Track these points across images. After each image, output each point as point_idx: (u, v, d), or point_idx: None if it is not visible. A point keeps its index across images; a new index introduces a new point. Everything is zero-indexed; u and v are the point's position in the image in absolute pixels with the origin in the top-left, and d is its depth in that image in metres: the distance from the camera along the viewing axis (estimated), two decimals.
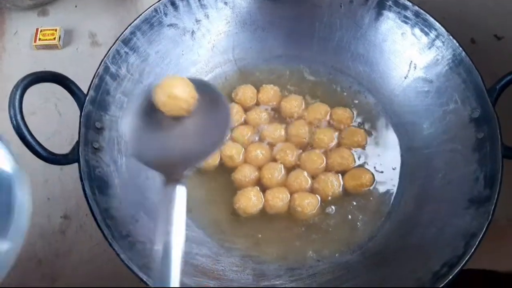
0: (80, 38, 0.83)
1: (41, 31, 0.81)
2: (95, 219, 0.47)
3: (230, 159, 0.60)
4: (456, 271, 0.46)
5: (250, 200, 0.56)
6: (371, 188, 0.59)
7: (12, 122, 0.47)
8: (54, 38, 0.80)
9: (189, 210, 0.56)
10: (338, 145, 0.61)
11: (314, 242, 0.56)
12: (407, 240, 0.53)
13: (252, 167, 0.59)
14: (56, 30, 0.80)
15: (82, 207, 0.63)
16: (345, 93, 0.65)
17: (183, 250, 0.50)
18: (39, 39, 0.81)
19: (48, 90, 0.77)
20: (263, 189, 0.58)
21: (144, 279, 0.45)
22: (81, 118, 0.52)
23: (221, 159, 0.60)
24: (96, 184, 0.50)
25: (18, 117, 0.46)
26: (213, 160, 0.59)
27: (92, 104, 0.53)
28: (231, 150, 0.60)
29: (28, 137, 0.46)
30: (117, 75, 0.57)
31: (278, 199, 0.57)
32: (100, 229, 0.46)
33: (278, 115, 0.64)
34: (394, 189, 0.59)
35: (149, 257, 0.48)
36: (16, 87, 0.47)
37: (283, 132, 0.62)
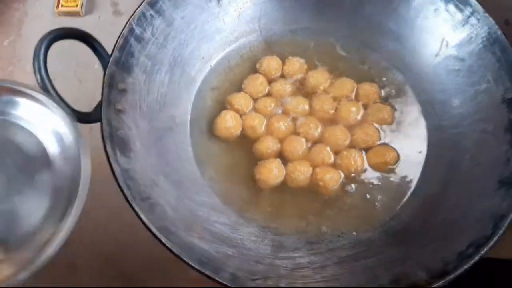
0: (102, 6, 0.82)
1: None
2: (116, 179, 0.46)
3: (252, 130, 0.58)
4: (483, 251, 0.44)
5: (271, 172, 0.55)
6: (395, 166, 0.57)
7: (36, 76, 0.46)
8: (77, 5, 0.80)
9: (209, 178, 0.56)
10: (363, 121, 0.60)
11: (332, 217, 0.55)
12: (432, 220, 0.52)
13: (274, 139, 0.58)
14: None
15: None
16: (372, 69, 0.63)
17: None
18: (61, 5, 0.80)
19: (68, 57, 0.77)
20: (284, 162, 0.57)
21: (163, 241, 0.44)
22: (104, 78, 0.51)
23: (243, 129, 0.59)
24: (117, 145, 0.49)
25: (43, 70, 0.45)
26: (235, 129, 0.58)
27: (116, 64, 0.53)
28: (254, 121, 0.58)
29: (52, 91, 0.45)
30: (142, 38, 0.56)
31: (300, 173, 0.55)
32: (121, 189, 0.46)
33: (303, 89, 0.62)
34: (420, 169, 0.57)
35: (168, 220, 0.47)
36: (41, 40, 0.46)
37: (307, 106, 0.60)
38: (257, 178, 0.56)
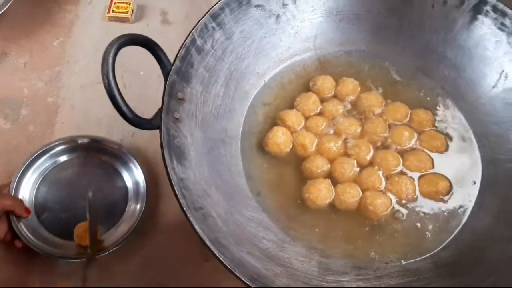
0: (152, 14, 0.84)
1: (115, 3, 0.82)
2: (172, 187, 0.46)
3: (302, 148, 0.58)
4: None
5: (320, 192, 0.55)
6: (448, 196, 0.56)
7: (104, 80, 0.46)
8: (127, 12, 0.81)
9: (257, 193, 0.56)
10: (415, 147, 0.59)
11: (380, 243, 0.54)
12: (486, 254, 0.50)
13: (324, 158, 0.57)
14: (129, 4, 0.81)
15: None
16: (427, 96, 0.63)
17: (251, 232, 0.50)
18: (113, 10, 0.82)
19: (116, 61, 0.78)
20: (333, 183, 0.56)
21: (216, 254, 0.43)
22: (165, 87, 0.52)
23: (293, 146, 0.59)
24: (174, 153, 0.49)
25: (110, 75, 0.46)
26: (285, 146, 0.58)
27: (177, 74, 0.53)
28: (305, 139, 0.58)
29: (117, 96, 0.46)
30: (202, 49, 0.56)
31: (350, 195, 0.55)
32: (177, 197, 0.46)
33: (355, 110, 0.62)
34: (472, 201, 0.56)
35: (219, 233, 0.47)
36: (111, 45, 0.47)
37: (359, 128, 0.60)
38: (305, 197, 0.55)
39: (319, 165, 0.57)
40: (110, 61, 0.46)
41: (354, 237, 0.54)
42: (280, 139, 0.57)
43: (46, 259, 0.63)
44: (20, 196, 0.65)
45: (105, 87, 0.46)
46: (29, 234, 0.62)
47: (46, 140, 0.74)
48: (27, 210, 0.63)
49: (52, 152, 0.68)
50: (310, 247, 0.53)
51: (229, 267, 0.43)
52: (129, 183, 0.67)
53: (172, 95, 0.52)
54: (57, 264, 0.64)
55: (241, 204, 0.54)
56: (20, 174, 0.66)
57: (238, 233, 0.50)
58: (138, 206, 0.64)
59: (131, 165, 0.68)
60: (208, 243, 0.44)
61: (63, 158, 0.69)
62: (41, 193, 0.67)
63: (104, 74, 0.46)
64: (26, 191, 0.66)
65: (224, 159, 0.56)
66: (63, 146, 0.69)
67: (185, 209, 0.45)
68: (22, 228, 0.62)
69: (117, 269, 0.65)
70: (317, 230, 0.54)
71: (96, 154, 0.69)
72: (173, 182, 0.46)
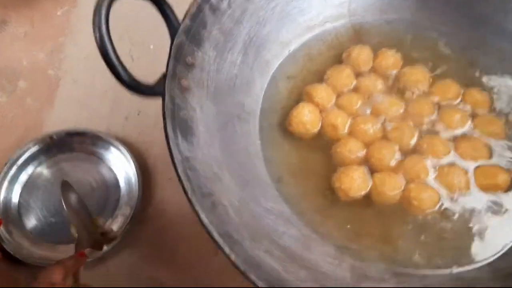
0: None
1: None
2: (175, 166, 0.38)
3: (333, 129, 0.49)
4: None
5: (354, 182, 0.45)
6: (508, 193, 0.46)
7: (95, 33, 0.38)
8: None
9: (277, 180, 0.47)
10: (469, 133, 0.49)
11: (425, 245, 0.44)
12: None
13: (359, 142, 0.48)
14: None
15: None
16: (481, 74, 0.53)
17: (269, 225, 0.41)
18: None
19: (122, 30, 0.71)
20: (370, 171, 0.47)
21: (226, 251, 0.35)
22: (171, 48, 0.43)
23: (322, 126, 0.49)
24: (179, 127, 0.41)
25: (103, 28, 0.38)
26: (312, 126, 0.49)
27: (186, 34, 0.44)
28: (336, 118, 0.49)
29: (111, 53, 0.38)
30: (217, 8, 0.47)
31: (390, 186, 0.45)
32: (180, 179, 0.37)
33: (396, 87, 0.52)
34: None
35: (231, 225, 0.38)
36: None
37: (401, 108, 0.50)
38: (335, 186, 0.46)
39: (353, 149, 0.47)
40: (104, 11, 0.38)
41: (394, 236, 0.44)
42: (306, 117, 0.48)
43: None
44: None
45: (97, 41, 0.38)
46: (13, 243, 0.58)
47: (44, 115, 0.68)
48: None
49: (28, 156, 0.63)
50: (340, 247, 0.43)
51: (241, 268, 0.34)
52: (120, 173, 0.63)
53: (179, 59, 0.43)
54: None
55: (258, 191, 0.45)
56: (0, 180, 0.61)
57: (254, 226, 0.41)
58: (133, 197, 0.60)
59: (120, 154, 0.63)
60: (216, 236, 0.35)
61: (42, 159, 0.64)
62: (25, 200, 0.62)
63: (96, 26, 0.38)
64: (7, 201, 0.61)
65: (240, 139, 0.47)
66: (38, 147, 0.64)
67: (189, 194, 0.36)
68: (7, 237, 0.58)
69: (111, 265, 0.59)
70: (348, 226, 0.45)
71: (78, 148, 0.65)
72: (176, 161, 0.38)
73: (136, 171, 0.62)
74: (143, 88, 0.39)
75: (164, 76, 0.42)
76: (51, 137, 0.64)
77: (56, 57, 0.74)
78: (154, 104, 0.70)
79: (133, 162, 0.62)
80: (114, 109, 0.70)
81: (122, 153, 0.63)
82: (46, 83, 0.71)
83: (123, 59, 0.66)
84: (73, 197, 0.58)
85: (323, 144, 0.49)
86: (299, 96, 0.52)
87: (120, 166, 0.64)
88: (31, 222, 0.60)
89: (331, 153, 0.48)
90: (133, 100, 0.70)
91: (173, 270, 0.62)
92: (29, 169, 0.63)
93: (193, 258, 0.63)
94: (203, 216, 0.35)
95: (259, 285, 0.34)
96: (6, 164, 0.62)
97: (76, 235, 0.55)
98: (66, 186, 0.59)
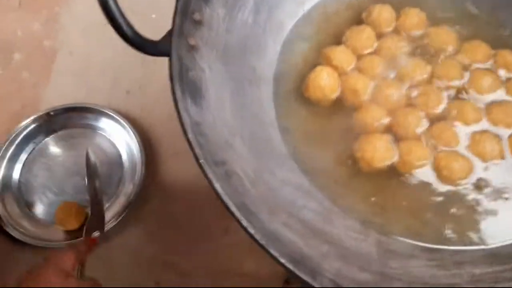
0: None
1: None
2: (185, 132, 0.34)
3: (353, 94, 0.45)
4: None
5: (377, 151, 0.41)
6: None
7: None
8: None
9: (294, 149, 0.43)
10: (501, 98, 0.45)
11: (456, 219, 0.41)
12: None
13: (382, 109, 0.44)
14: None
15: None
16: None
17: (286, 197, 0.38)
18: None
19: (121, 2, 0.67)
20: (395, 140, 0.43)
21: (244, 224, 0.31)
22: (177, 3, 0.39)
23: (341, 92, 0.45)
24: (188, 89, 0.36)
25: None
26: (331, 91, 0.45)
27: None
28: (357, 83, 0.45)
29: (112, 4, 0.33)
30: None
31: (417, 156, 0.42)
32: (190, 145, 0.33)
33: (421, 49, 0.48)
34: None
35: (247, 197, 0.34)
36: None
37: (427, 72, 0.46)
38: (357, 156, 0.42)
39: (376, 116, 0.43)
40: None
41: (422, 209, 0.41)
42: (324, 82, 0.44)
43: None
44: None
45: None
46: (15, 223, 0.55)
47: (41, 89, 0.65)
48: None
49: (27, 133, 0.60)
50: (364, 221, 0.40)
51: (261, 241, 0.30)
52: (123, 149, 0.60)
53: (186, 15, 0.39)
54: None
55: (274, 162, 0.41)
56: None
57: (271, 198, 0.37)
58: (137, 173, 0.58)
59: (123, 130, 0.60)
60: (232, 208, 0.31)
61: (41, 137, 0.61)
62: (26, 179, 0.59)
63: None
64: (7, 180, 0.58)
65: (252, 105, 0.43)
66: (37, 124, 0.61)
67: (201, 161, 0.33)
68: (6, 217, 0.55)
69: (115, 245, 0.56)
70: (373, 199, 0.41)
71: (78, 124, 0.62)
72: (185, 126, 0.34)
73: (140, 146, 0.59)
74: (148, 44, 0.35)
75: (170, 33, 0.37)
76: (48, 114, 0.61)
77: (51, 27, 0.70)
78: (156, 77, 0.68)
79: (136, 137, 0.59)
80: (115, 83, 0.67)
81: (124, 128, 0.60)
82: (42, 55, 0.68)
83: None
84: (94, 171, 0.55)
85: (343, 111, 0.45)
86: (316, 60, 0.47)
87: (123, 142, 0.61)
88: (31, 201, 0.57)
89: (351, 121, 0.44)
90: (134, 74, 0.68)
91: (179, 250, 0.59)
92: (29, 147, 0.60)
93: (201, 237, 0.60)
94: (217, 186, 0.32)
95: (281, 261, 0.30)
96: (5, 142, 0.58)
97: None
98: (88, 157, 0.56)
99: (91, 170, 0.54)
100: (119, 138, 0.61)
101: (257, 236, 0.30)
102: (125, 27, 0.33)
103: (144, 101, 0.67)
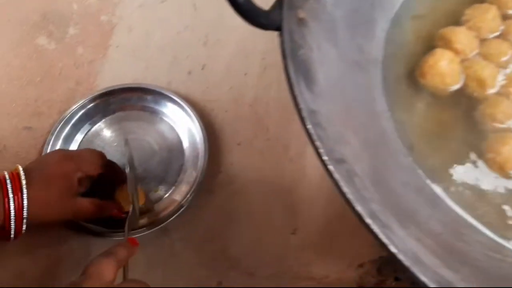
0: None
1: None
2: (303, 122, 0.28)
3: (478, 85, 0.38)
4: None
5: None
6: None
7: None
8: None
9: (410, 146, 0.36)
10: None
11: None
12: None
13: None
14: None
15: None
16: None
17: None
18: None
19: None
20: None
21: (383, 239, 0.25)
22: None
23: (464, 82, 0.38)
24: (300, 71, 0.30)
25: None
26: (452, 79, 0.38)
27: None
28: (483, 71, 0.38)
29: None
30: None
31: None
32: (312, 140, 0.27)
33: None
34: None
35: (372, 202, 0.28)
36: None
37: None
38: (487, 157, 0.35)
39: (508, 112, 0.36)
40: None
41: None
42: (445, 68, 0.37)
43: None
44: None
45: None
46: None
47: (97, 66, 0.61)
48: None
49: (83, 113, 0.56)
50: (501, 236, 0.33)
51: (406, 263, 0.24)
52: (183, 134, 0.55)
53: None
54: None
55: (390, 161, 0.35)
56: (54, 138, 0.54)
57: (395, 206, 0.31)
58: (199, 161, 0.53)
59: (184, 113, 0.55)
60: (367, 219, 0.25)
61: (97, 118, 0.56)
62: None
63: None
64: None
65: (361, 92, 0.37)
66: (93, 103, 0.56)
67: (325, 158, 0.27)
68: None
69: (176, 238, 0.52)
70: (504, 207, 0.34)
71: (136, 107, 0.57)
72: (303, 114, 0.28)
73: (202, 132, 0.54)
74: (261, 14, 0.29)
75: (279, 3, 0.31)
76: (106, 93, 0.56)
77: (109, 1, 0.65)
78: (219, 58, 0.62)
79: (199, 123, 0.54)
80: (175, 62, 0.61)
81: (186, 112, 0.55)
82: (98, 30, 0.63)
83: (184, 6, 0.58)
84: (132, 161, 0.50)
85: (465, 103, 0.38)
86: (429, 41, 0.40)
87: (185, 127, 0.55)
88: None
89: (477, 116, 0.37)
90: (196, 54, 0.62)
91: (243, 248, 0.54)
92: (85, 128, 0.56)
93: (266, 236, 0.55)
94: (347, 190, 0.26)
95: (430, 286, 0.24)
96: (59, 121, 0.54)
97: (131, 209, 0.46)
98: (127, 146, 0.51)
99: (128, 161, 0.49)
100: (180, 123, 0.56)
101: (401, 257, 0.24)
102: None
103: (207, 83, 0.61)
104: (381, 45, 0.40)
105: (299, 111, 0.28)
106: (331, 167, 0.26)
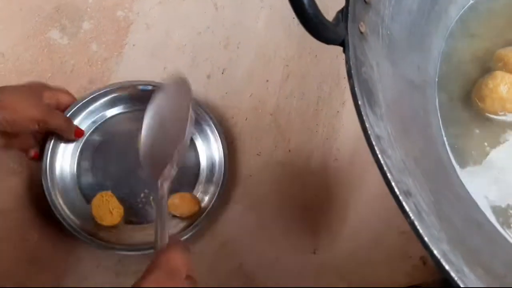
0: None
1: None
2: (372, 150, 0.25)
3: None
4: None
5: None
6: None
7: None
8: None
9: (467, 178, 0.34)
10: None
11: None
12: None
13: None
14: None
15: None
16: None
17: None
18: None
19: None
20: None
21: (456, 279, 0.22)
22: None
23: None
24: (363, 90, 0.27)
25: None
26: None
27: None
28: None
29: None
30: None
31: None
32: (381, 169, 0.24)
33: None
34: None
35: (442, 242, 0.25)
36: None
37: None
38: None
39: None
40: None
41: None
42: (506, 92, 0.35)
43: None
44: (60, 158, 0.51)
45: None
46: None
47: (111, 65, 0.57)
48: (78, 132, 0.51)
49: (106, 99, 0.53)
50: None
51: None
52: (200, 142, 0.53)
53: None
54: None
55: (449, 193, 0.32)
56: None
57: (460, 244, 0.28)
58: (217, 171, 0.51)
59: (201, 119, 0.52)
60: (444, 264, 0.22)
61: (119, 109, 0.54)
62: (87, 152, 0.52)
63: None
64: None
65: (418, 115, 0.34)
66: (119, 94, 0.53)
67: (396, 191, 0.24)
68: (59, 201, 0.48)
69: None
70: None
71: None
72: (371, 138, 0.25)
73: (221, 139, 0.51)
74: (327, 26, 0.26)
75: (342, 15, 0.28)
76: (120, 88, 0.54)
77: None
78: (240, 63, 0.59)
79: (217, 129, 0.52)
80: (194, 65, 0.58)
81: (203, 117, 0.53)
82: (114, 27, 0.59)
83: (205, 5, 0.55)
84: None
85: None
86: (486, 62, 0.38)
87: (201, 133, 0.53)
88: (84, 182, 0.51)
89: None
90: (216, 57, 0.59)
91: (262, 263, 0.52)
92: (101, 116, 0.54)
93: (286, 253, 0.53)
94: (421, 231, 0.23)
95: None
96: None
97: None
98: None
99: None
100: (196, 128, 0.53)
101: None
102: (306, 3, 0.24)
103: (226, 88, 0.59)
104: (437, 63, 0.37)
105: (367, 137, 0.25)
106: (403, 201, 0.23)
